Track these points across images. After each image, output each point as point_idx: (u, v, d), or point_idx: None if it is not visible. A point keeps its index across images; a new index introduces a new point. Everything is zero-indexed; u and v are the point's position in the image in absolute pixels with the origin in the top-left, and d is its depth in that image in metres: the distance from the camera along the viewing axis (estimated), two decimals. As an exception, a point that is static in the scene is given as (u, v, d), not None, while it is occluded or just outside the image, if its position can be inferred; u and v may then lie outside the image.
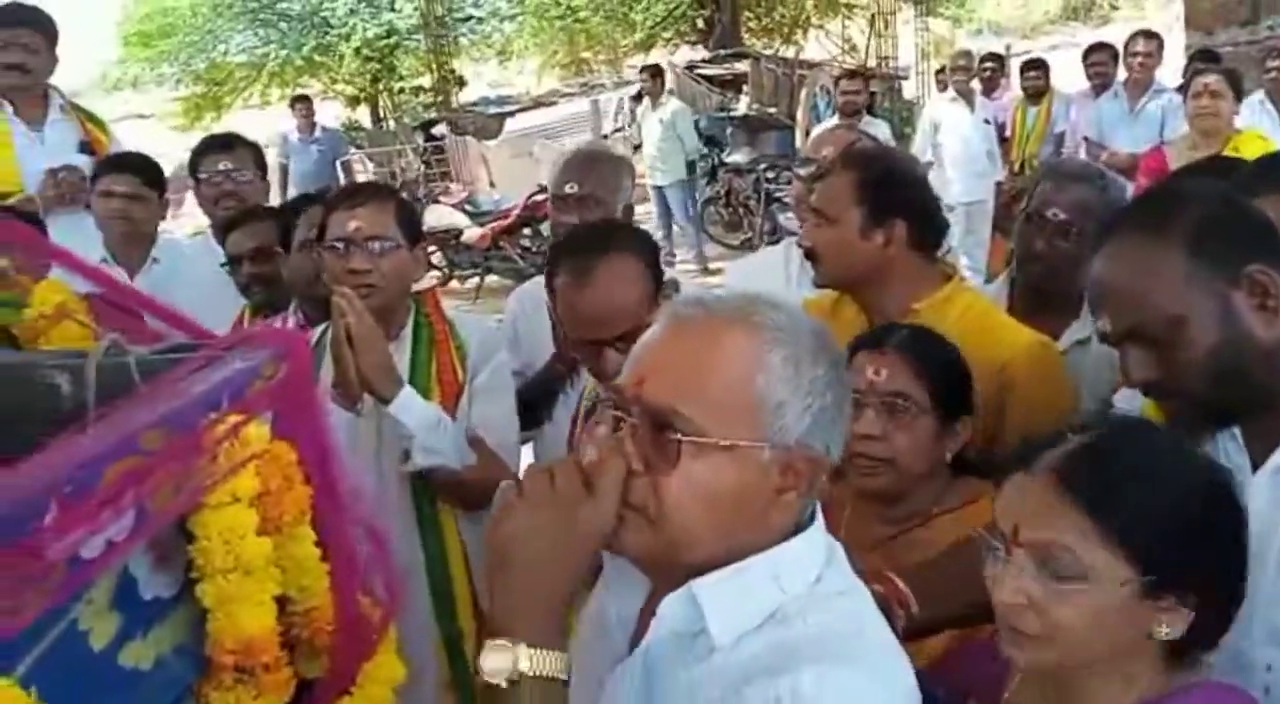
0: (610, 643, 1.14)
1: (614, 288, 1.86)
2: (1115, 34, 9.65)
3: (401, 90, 21.36)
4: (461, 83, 22.01)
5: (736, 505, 0.99)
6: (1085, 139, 6.37)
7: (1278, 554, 1.31)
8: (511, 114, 19.47)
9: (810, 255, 2.08)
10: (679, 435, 0.97)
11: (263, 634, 1.02)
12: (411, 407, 2.05)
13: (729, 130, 11.36)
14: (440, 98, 21.13)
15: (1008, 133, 7.54)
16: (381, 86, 20.92)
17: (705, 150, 10.84)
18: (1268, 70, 6.04)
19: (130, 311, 1.34)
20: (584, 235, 2.10)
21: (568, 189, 2.61)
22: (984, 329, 1.97)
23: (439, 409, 2.14)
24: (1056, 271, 2.19)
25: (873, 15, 18.45)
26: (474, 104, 20.47)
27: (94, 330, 1.46)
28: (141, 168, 3.19)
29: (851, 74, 8.02)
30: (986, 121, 7.47)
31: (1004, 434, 1.91)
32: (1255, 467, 1.36)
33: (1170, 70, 6.97)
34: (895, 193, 2.02)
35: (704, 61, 16.67)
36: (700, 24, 20.97)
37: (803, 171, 2.71)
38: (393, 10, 20.21)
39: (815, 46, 20.79)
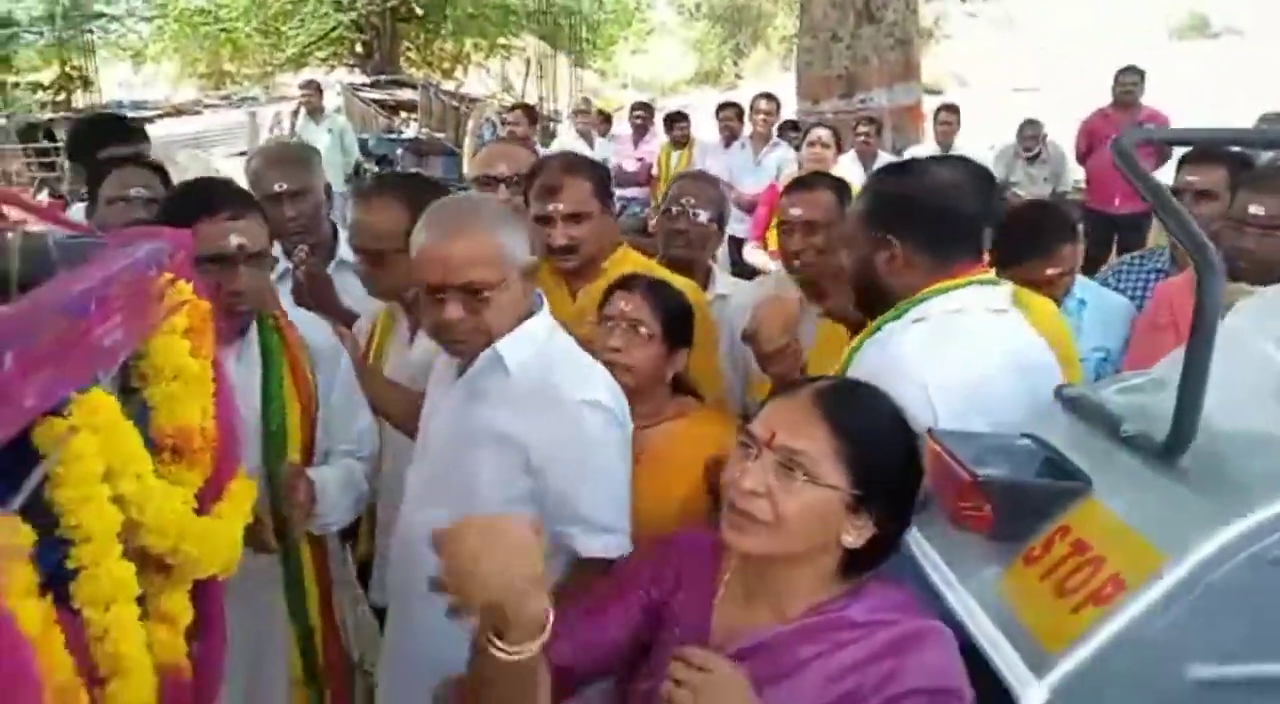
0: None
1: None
2: (740, 97, 11.03)
3: (16, 85, 19.59)
4: (87, 83, 20.52)
5: (516, 304, 1.92)
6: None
7: None
8: (151, 120, 18.48)
9: (569, 250, 2.59)
10: (484, 293, 1.87)
11: (192, 426, 1.41)
12: (324, 496, 2.13)
13: (399, 151, 11.75)
14: (61, 97, 19.60)
15: (655, 172, 8.56)
16: (-8, 79, 19.06)
17: (377, 168, 11.15)
18: (858, 135, 7.44)
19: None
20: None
21: (277, 187, 2.89)
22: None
23: (332, 472, 2.20)
24: (692, 243, 3.08)
25: (528, 60, 19.57)
26: (104, 107, 19.17)
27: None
28: None
29: (514, 107, 8.72)
30: (605, 159, 8.45)
31: None
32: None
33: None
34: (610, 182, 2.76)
35: (366, 85, 16.86)
36: (359, 49, 21.05)
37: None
38: (14, -3, 18.69)
39: (476, 83, 21.56)
